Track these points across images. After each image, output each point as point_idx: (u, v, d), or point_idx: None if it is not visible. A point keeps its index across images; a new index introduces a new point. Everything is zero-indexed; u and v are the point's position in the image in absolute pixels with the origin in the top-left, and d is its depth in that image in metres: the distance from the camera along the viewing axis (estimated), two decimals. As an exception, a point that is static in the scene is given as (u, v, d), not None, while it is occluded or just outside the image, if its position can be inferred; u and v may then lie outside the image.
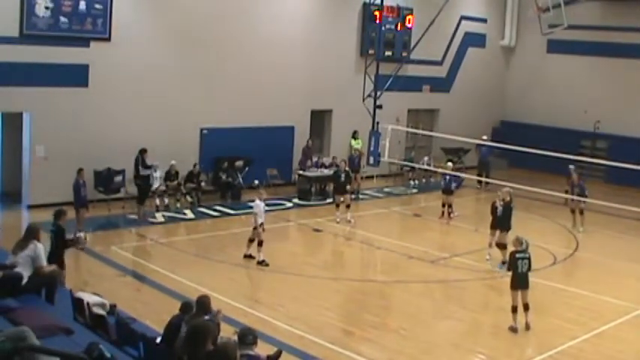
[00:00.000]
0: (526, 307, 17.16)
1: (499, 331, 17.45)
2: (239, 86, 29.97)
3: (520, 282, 17.10)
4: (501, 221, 22.44)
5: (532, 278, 20.27)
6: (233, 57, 29.71)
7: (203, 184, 28.40)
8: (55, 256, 15.27)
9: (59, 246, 15.71)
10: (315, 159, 32.19)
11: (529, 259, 17.08)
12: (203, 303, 11.72)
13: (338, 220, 26.81)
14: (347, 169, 28.26)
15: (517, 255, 17.04)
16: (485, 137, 34.65)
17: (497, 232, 22.50)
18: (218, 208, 27.74)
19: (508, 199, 22.53)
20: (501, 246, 22.27)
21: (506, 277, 21.38)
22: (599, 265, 23.65)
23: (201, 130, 29.36)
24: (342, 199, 27.14)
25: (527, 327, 17.10)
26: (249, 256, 21.35)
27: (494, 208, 22.77)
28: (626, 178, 31.62)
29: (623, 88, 38.82)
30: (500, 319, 18.08)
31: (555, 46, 40.45)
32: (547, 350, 16.19)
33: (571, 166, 28.32)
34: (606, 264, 23.80)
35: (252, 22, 30.37)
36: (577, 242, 26.23)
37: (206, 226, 25.42)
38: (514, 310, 17.10)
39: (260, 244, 21.07)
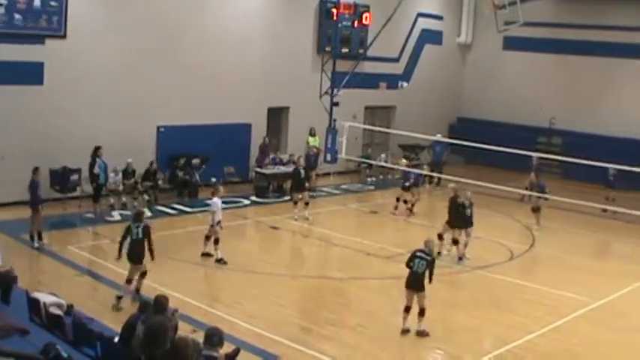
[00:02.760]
0: (421, 313, 16.67)
1: (456, 326, 17.61)
2: (196, 83, 29.85)
3: (412, 281, 16.67)
4: (461, 219, 22.87)
5: (489, 273, 20.55)
6: (189, 54, 29.56)
7: (160, 182, 28.24)
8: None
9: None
10: (272, 156, 32.17)
11: (428, 262, 16.69)
12: (160, 302, 11.70)
13: (296, 217, 26.85)
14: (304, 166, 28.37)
15: (417, 254, 16.82)
16: (439, 135, 34.80)
17: (456, 229, 22.82)
18: (175, 206, 27.64)
19: (468, 195, 22.97)
20: (455, 241, 22.79)
21: (464, 273, 21.72)
22: (556, 261, 23.93)
23: (158, 127, 29.21)
24: (300, 196, 27.19)
25: (420, 334, 16.65)
26: (206, 254, 21.32)
27: (452, 205, 23.03)
28: (581, 174, 31.93)
29: (578, 85, 39.30)
30: (457, 315, 18.27)
31: (511, 43, 40.83)
32: (504, 345, 16.39)
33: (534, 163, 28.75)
34: (562, 259, 24.08)
35: (208, 20, 30.28)
36: (533, 238, 26.49)
37: (163, 225, 25.24)
38: (406, 310, 16.74)
39: (217, 241, 21.05)
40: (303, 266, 23.01)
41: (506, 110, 41.10)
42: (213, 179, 28.48)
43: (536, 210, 28.10)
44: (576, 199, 25.90)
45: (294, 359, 14.95)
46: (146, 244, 17.55)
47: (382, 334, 16.76)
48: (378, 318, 17.85)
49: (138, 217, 18.03)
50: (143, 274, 17.71)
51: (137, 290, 17.56)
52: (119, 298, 17.12)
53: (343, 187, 34.08)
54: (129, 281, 17.46)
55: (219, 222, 21.07)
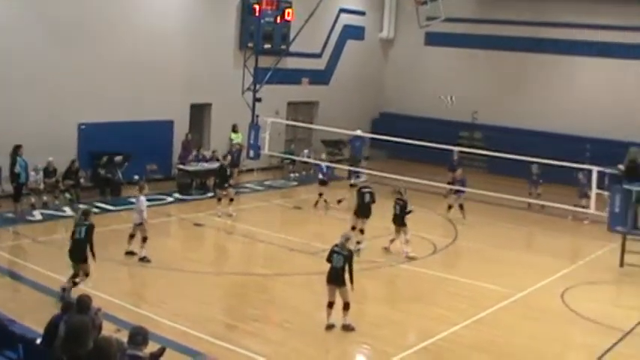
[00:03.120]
0: (345, 307, 16.70)
1: (381, 320, 17.76)
2: (117, 80, 29.51)
3: (333, 276, 16.69)
4: (364, 210, 23.48)
5: (413, 267, 20.77)
6: (110, 51, 29.22)
7: (82, 180, 27.85)
8: None
9: None
10: (195, 153, 31.99)
11: (345, 257, 16.65)
12: (83, 302, 11.60)
13: (219, 214, 26.76)
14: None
15: (334, 249, 16.86)
16: (359, 130, 34.94)
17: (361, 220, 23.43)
18: (98, 204, 27.23)
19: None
20: (362, 232, 23.28)
21: (388, 267, 21.89)
22: (478, 254, 24.30)
23: (79, 125, 28.80)
24: (224, 193, 27.13)
25: (346, 328, 16.72)
26: (130, 253, 21.15)
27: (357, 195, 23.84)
28: (503, 167, 32.41)
29: (498, 80, 40.01)
30: (382, 309, 18.43)
31: (433, 39, 41.29)
32: (429, 337, 16.60)
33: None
34: (485, 252, 24.48)
35: (129, 16, 30.00)
36: (456, 231, 26.83)
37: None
38: (329, 305, 16.76)
39: (145, 240, 20.91)
40: (227, 263, 22.99)
41: (428, 105, 41.51)
42: (136, 177, 28.22)
43: (452, 207, 28.52)
44: (500, 193, 26.34)
45: (219, 356, 14.91)
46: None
47: (307, 330, 16.81)
48: (303, 314, 17.89)
49: (86, 214, 17.96)
50: (86, 275, 17.59)
51: (64, 290, 17.34)
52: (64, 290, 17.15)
53: (266, 183, 34.06)
54: (74, 276, 17.48)
55: (144, 220, 20.95)
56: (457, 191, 28.62)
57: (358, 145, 35.89)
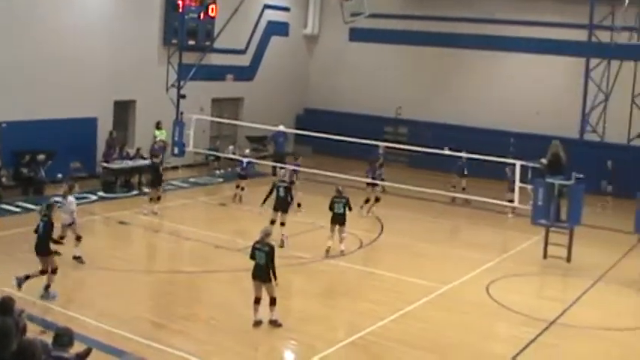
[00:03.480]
0: (272, 302, 16.72)
1: (309, 315, 17.82)
2: (38, 78, 29.00)
3: (257, 272, 16.71)
4: (281, 204, 23.53)
5: (339, 262, 20.86)
6: (31, 48, 28.70)
7: (4, 179, 27.43)
8: None
9: None
10: (119, 150, 31.65)
11: (266, 252, 16.58)
12: (6, 303, 11.37)
13: (145, 212, 26.56)
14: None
15: (256, 245, 16.88)
16: (282, 127, 34.87)
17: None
18: (20, 203, 26.81)
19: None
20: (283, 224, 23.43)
21: (314, 262, 21.95)
22: (404, 248, 24.50)
23: (0, 124, 28.30)
24: (156, 191, 26.97)
25: (273, 323, 16.77)
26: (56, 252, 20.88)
27: (272, 190, 23.99)
28: (426, 161, 32.73)
29: (422, 75, 40.43)
30: (309, 304, 18.48)
31: (357, 35, 41.54)
32: (356, 332, 16.71)
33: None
34: (411, 246, 24.72)
35: (49, 12, 29.48)
36: (382, 226, 26.99)
37: (8, 223, 24.50)
38: (256, 301, 16.75)
39: (79, 239, 20.72)
40: (154, 261, 22.85)
41: (353, 100, 41.74)
42: (60, 175, 27.86)
43: (369, 198, 28.76)
44: (424, 188, 26.59)
45: (147, 356, 14.79)
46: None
47: (235, 327, 16.78)
48: (231, 310, 17.86)
49: (49, 208, 18.28)
50: (54, 270, 17.79)
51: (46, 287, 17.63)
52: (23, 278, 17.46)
53: (192, 180, 33.86)
54: (42, 272, 17.80)
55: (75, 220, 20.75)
56: (373, 184, 28.79)
57: (281, 141, 35.88)
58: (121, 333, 15.72)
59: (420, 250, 24.48)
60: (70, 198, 20.88)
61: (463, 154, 29.07)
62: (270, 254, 16.62)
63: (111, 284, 19.22)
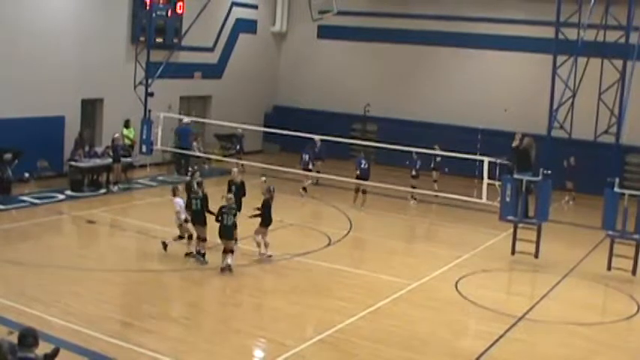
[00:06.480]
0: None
1: (279, 313, 17.79)
2: (4, 76, 28.71)
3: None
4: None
5: (308, 260, 20.94)
6: (-3, 45, 28.56)
7: (-31, 178, 27.21)
8: None
9: None
10: (87, 149, 31.42)
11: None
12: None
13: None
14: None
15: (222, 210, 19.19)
16: (186, 119, 34.81)
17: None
18: (-14, 203, 26.68)
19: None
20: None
21: (283, 260, 21.94)
22: (374, 245, 24.62)
23: (-35, 122, 28.09)
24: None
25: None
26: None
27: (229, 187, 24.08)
28: (394, 158, 32.78)
29: (390, 73, 40.54)
30: (279, 302, 18.46)
31: (326, 32, 41.55)
32: (326, 329, 16.69)
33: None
34: (380, 243, 24.79)
35: (16, 9, 29.17)
36: (351, 223, 27.01)
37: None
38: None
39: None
40: (121, 260, 22.62)
41: (322, 98, 41.80)
42: (27, 174, 27.64)
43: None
44: (388, 184, 26.65)
45: (116, 355, 14.69)
46: None
47: (206, 325, 16.79)
48: (201, 309, 17.86)
49: (199, 185, 21.47)
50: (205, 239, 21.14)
51: None
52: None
53: (160, 178, 33.63)
54: (204, 240, 21.13)
55: None
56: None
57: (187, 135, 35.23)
58: (89, 332, 15.58)
59: (389, 246, 24.54)
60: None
61: (425, 151, 28.92)
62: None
63: (78, 283, 19.02)
